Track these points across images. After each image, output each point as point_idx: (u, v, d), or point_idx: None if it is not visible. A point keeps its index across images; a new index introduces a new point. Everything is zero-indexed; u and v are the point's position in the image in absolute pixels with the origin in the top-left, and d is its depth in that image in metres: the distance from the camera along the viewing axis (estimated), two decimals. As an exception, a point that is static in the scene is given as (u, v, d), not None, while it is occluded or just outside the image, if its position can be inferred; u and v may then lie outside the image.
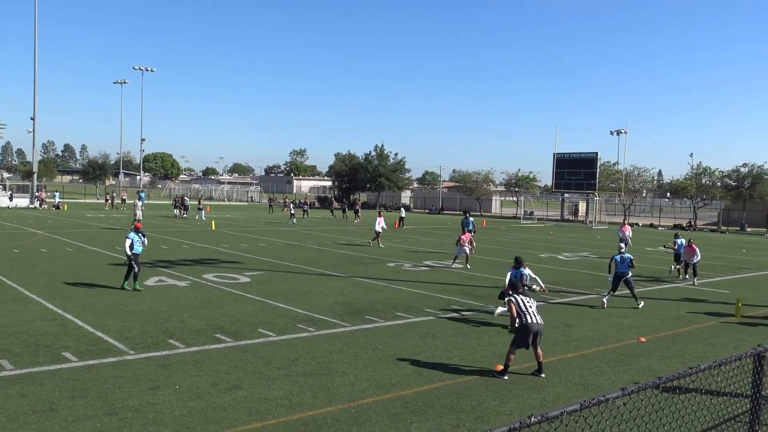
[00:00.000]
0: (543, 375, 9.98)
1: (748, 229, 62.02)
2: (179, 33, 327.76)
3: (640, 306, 16.45)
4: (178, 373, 9.43)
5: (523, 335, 9.85)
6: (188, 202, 53.32)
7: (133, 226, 17.08)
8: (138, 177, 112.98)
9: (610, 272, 17.20)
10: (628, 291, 16.80)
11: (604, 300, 16.62)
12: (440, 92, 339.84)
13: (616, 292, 16.89)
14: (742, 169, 67.07)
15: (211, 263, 22.34)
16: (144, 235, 17.02)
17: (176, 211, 50.93)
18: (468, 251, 23.69)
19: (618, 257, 16.91)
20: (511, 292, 10.73)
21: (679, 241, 23.58)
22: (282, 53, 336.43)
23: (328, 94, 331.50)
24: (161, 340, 11.28)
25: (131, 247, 16.24)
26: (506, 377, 9.80)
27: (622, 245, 17.85)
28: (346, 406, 8.27)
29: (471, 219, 28.94)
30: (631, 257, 17.00)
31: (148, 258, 21.36)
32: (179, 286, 17.10)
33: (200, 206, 50.04)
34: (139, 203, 39.12)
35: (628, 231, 29.90)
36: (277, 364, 10.11)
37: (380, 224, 31.12)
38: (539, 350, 10.00)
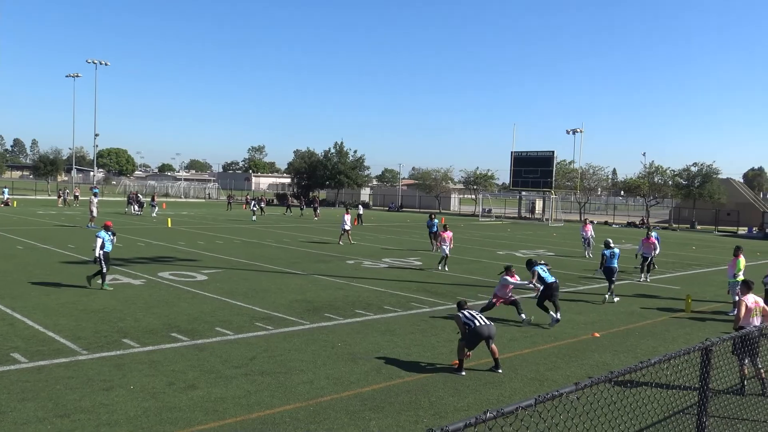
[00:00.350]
0: (500, 371, 10.12)
1: (698, 227, 63.88)
2: (134, 26, 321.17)
3: (605, 301, 16.93)
4: (132, 373, 9.27)
5: (474, 337, 9.98)
6: (143, 198, 52.30)
7: (103, 224, 17.02)
8: (91, 173, 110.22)
9: (600, 267, 17.58)
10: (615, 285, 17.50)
11: (606, 297, 17.23)
12: (399, 90, 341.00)
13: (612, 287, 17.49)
14: (693, 168, 68.94)
15: (168, 261, 21.97)
16: (114, 234, 16.81)
17: (128, 209, 49.85)
18: (440, 251, 23.57)
19: (608, 252, 17.39)
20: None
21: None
22: (242, 48, 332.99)
23: (288, 90, 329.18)
24: (115, 340, 11.06)
25: (102, 246, 15.93)
26: (463, 373, 9.91)
27: (610, 240, 18.19)
28: (304, 405, 8.25)
29: (436, 221, 29.03)
30: (618, 252, 17.69)
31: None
32: (134, 285, 16.77)
33: (153, 202, 49.13)
34: (95, 200, 38.14)
35: (590, 230, 30.46)
36: (234, 362, 10.02)
37: (347, 222, 31.13)
38: (494, 347, 10.14)
